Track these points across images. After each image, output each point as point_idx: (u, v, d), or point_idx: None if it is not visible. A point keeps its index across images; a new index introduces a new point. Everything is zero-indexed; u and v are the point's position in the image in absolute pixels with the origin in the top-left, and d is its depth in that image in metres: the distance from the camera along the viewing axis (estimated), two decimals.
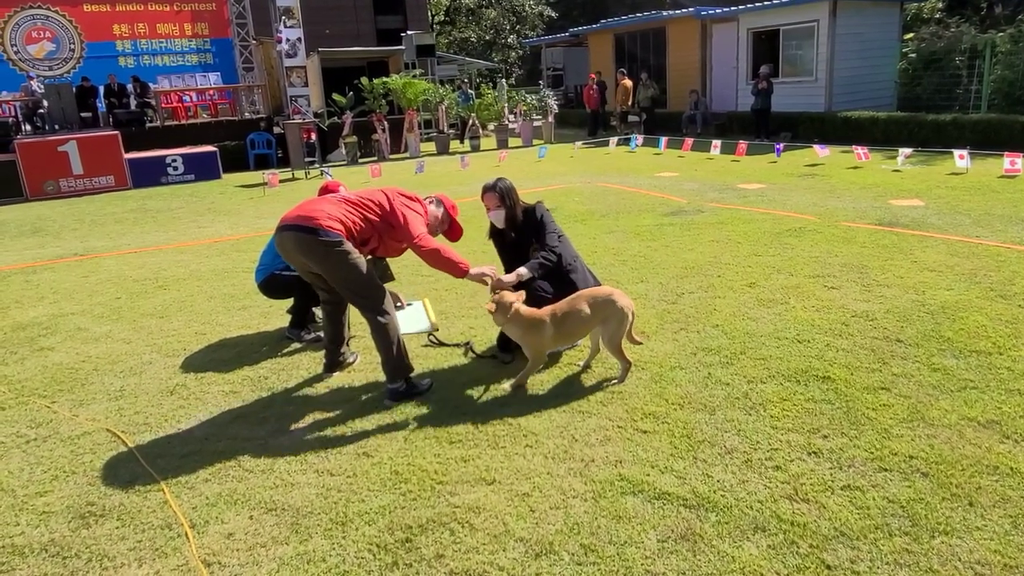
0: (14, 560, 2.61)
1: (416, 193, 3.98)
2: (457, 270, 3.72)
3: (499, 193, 4.07)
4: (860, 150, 11.23)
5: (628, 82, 18.43)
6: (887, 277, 5.27)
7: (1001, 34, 13.96)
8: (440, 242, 3.80)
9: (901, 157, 10.59)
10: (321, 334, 4.54)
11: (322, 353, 4.21)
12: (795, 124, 15.45)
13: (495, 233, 4.29)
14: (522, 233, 4.14)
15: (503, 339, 4.29)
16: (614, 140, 15.70)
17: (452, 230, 4.16)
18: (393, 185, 4.13)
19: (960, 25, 16.37)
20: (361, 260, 3.64)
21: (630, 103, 18.49)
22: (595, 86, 19.33)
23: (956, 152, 9.93)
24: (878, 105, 15.17)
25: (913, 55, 15.27)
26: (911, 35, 16.55)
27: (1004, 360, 3.77)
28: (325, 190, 4.59)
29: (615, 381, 3.74)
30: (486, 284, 3.84)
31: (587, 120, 19.95)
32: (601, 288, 3.90)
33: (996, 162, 9.94)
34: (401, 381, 3.73)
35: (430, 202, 4.04)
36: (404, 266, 5.79)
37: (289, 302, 4.84)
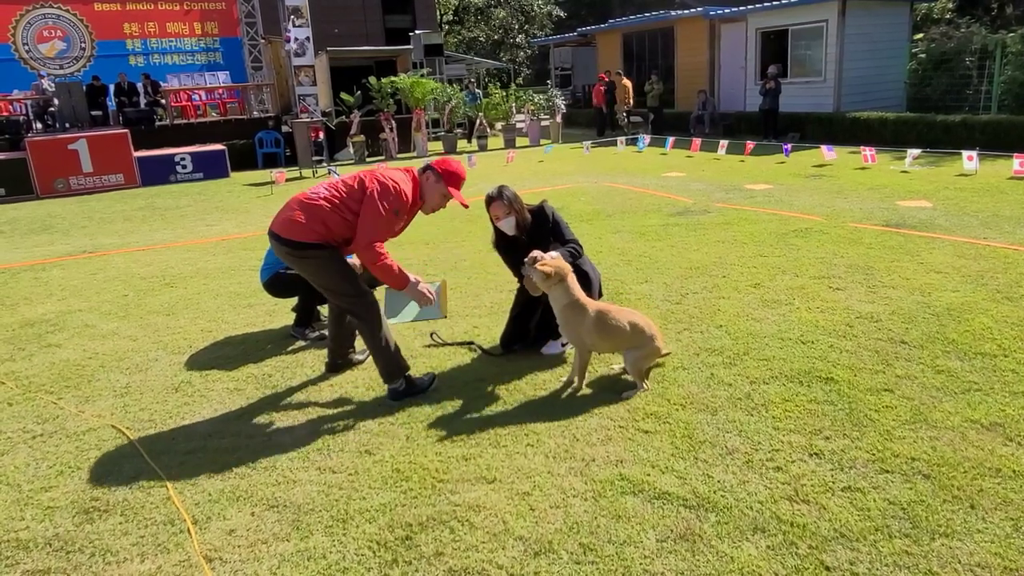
0: (18, 554, 2.64)
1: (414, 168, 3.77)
2: (395, 282, 3.56)
3: (507, 201, 4.00)
4: (867, 151, 11.18)
5: (627, 82, 18.42)
6: (893, 278, 5.25)
7: (1012, 34, 13.85)
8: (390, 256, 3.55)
9: (909, 158, 10.53)
10: (325, 332, 4.56)
11: (326, 351, 4.23)
12: (803, 124, 15.39)
13: (503, 241, 4.18)
14: (532, 236, 4.09)
15: (507, 338, 4.30)
16: (622, 140, 15.68)
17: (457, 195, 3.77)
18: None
19: (970, 25, 16.25)
20: (341, 265, 3.61)
21: (631, 102, 18.47)
22: (603, 86, 19.34)
23: (965, 153, 9.87)
24: (887, 106, 15.10)
25: (923, 55, 15.18)
26: (921, 35, 16.44)
27: (1009, 363, 3.75)
28: None
29: (624, 393, 3.66)
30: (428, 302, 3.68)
31: (595, 120, 19.93)
32: (649, 320, 3.80)
33: (1006, 163, 9.87)
34: (399, 380, 3.72)
35: (426, 177, 3.73)
36: (414, 263, 5.80)
37: (294, 300, 4.86)
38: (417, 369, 3.97)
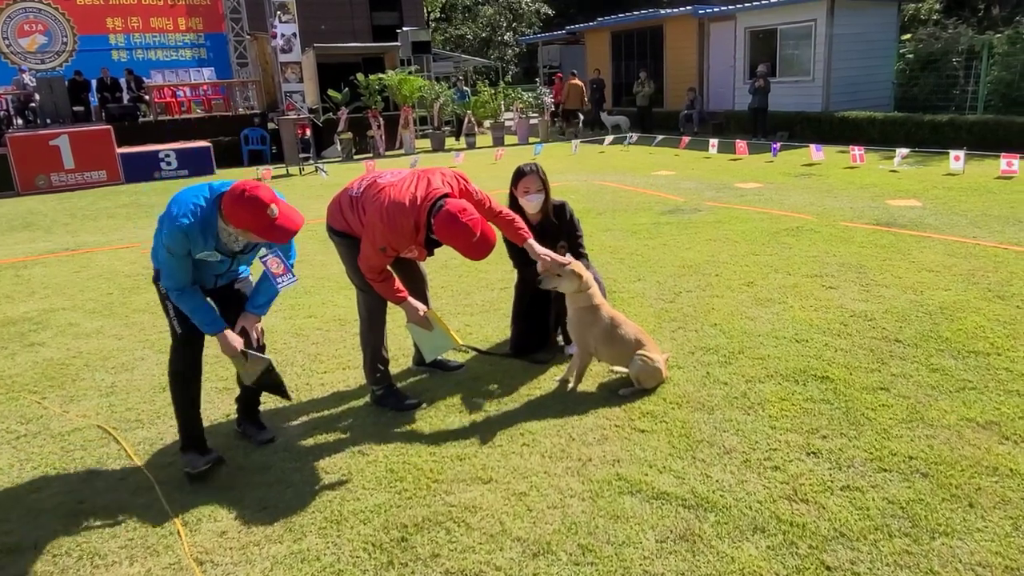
0: (4, 559, 2.57)
1: (433, 187, 3.29)
2: (390, 299, 3.45)
3: (541, 177, 3.90)
4: (856, 151, 11.22)
5: (578, 82, 18.49)
6: (885, 277, 5.26)
7: (998, 35, 13.98)
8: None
9: (898, 158, 10.59)
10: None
11: (317, 349, 4.16)
12: (792, 124, 15.44)
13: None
14: (551, 228, 4.00)
15: (517, 344, 4.20)
16: (609, 138, 15.67)
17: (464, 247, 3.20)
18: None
19: (957, 26, 16.37)
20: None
21: (584, 103, 18.52)
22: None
23: (952, 153, 9.93)
24: (875, 105, 15.18)
25: (910, 56, 15.28)
26: (908, 36, 16.55)
27: (1002, 361, 3.75)
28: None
29: (621, 390, 3.62)
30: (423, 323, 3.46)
31: (564, 118, 19.54)
32: (655, 343, 3.74)
33: (993, 163, 9.95)
34: (379, 387, 3.66)
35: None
36: None
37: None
38: (405, 383, 3.92)
